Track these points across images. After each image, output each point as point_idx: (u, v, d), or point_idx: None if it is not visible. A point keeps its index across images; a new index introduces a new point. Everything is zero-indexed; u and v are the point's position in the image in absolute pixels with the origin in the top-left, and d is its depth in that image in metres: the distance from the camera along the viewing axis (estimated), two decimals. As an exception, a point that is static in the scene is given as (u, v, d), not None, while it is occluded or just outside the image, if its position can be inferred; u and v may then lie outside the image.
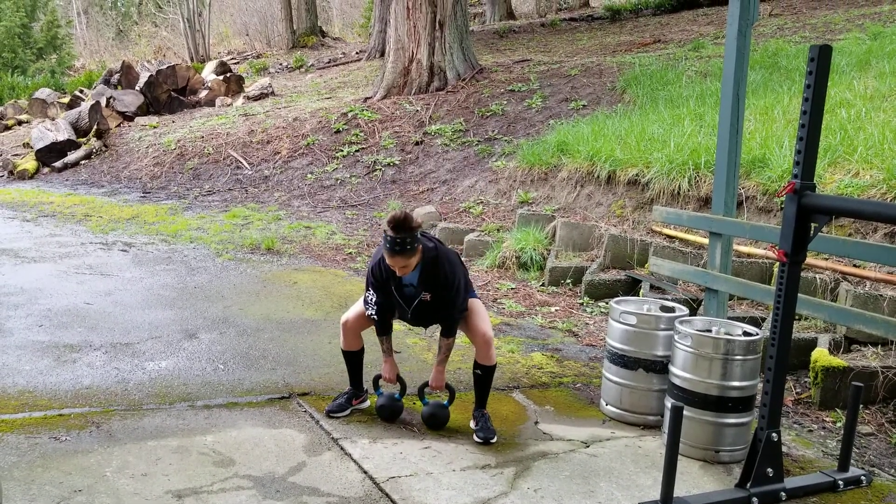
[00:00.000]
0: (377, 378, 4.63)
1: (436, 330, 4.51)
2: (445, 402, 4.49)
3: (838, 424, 4.69)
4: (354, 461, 3.97)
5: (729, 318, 4.87)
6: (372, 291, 4.36)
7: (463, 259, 5.43)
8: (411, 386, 4.66)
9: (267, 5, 29.43)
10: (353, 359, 4.61)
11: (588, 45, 18.10)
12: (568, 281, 7.64)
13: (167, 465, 3.82)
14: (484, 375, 4.38)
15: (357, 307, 4.54)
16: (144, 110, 17.91)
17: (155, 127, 16.61)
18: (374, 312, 4.39)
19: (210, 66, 21.46)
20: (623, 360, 4.60)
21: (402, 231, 3.95)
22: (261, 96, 18.09)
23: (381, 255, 4.20)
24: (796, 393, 5.14)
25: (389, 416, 4.53)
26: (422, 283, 4.22)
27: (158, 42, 33.27)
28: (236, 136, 14.65)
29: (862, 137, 6.89)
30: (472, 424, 4.39)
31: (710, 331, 4.28)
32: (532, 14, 28.66)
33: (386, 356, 4.53)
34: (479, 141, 12.17)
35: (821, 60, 3.50)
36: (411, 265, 4.10)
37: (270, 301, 6.95)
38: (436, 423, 4.43)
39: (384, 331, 4.48)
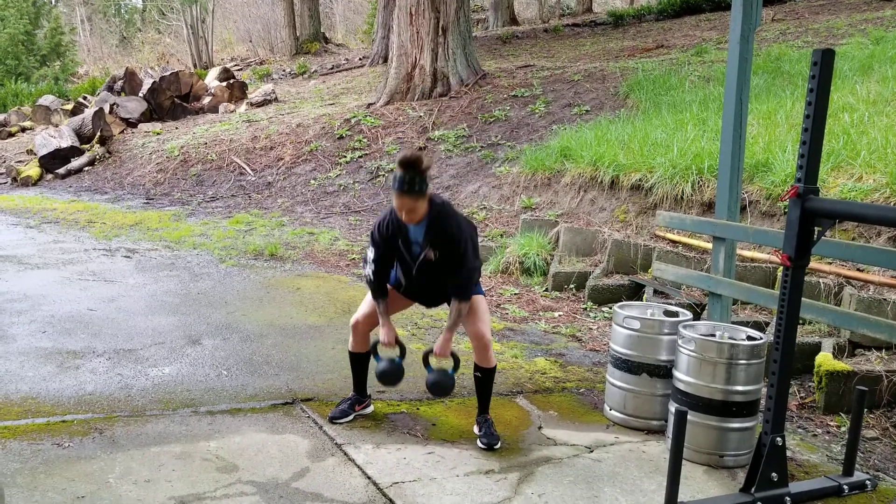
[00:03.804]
0: (375, 344, 4.50)
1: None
2: (450, 369, 4.38)
3: (843, 429, 4.67)
4: (358, 466, 3.96)
5: (732, 323, 4.86)
6: (373, 249, 4.25)
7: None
8: (413, 390, 4.65)
9: (270, 12, 29.52)
10: (360, 362, 4.57)
11: (591, 51, 18.13)
12: (571, 286, 7.63)
13: (170, 471, 3.82)
14: (484, 378, 4.36)
15: (365, 305, 4.47)
16: (148, 117, 17.97)
17: (158, 133, 16.66)
18: (371, 271, 4.26)
19: (213, 73, 21.54)
20: (627, 365, 4.59)
21: (412, 170, 3.87)
22: (264, 102, 18.14)
23: (388, 213, 4.14)
24: (800, 397, 5.12)
25: (391, 380, 4.43)
26: (428, 238, 4.10)
27: (162, 49, 33.40)
28: (240, 143, 14.68)
29: (865, 142, 6.88)
30: (475, 430, 4.38)
31: (713, 335, 4.27)
32: (535, 20, 28.72)
33: (383, 319, 4.39)
34: (482, 146, 12.18)
35: (824, 65, 3.50)
36: (418, 211, 3.99)
37: (274, 307, 6.95)
38: (439, 390, 4.35)
39: (381, 292, 4.34)
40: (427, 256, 4.13)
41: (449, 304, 4.29)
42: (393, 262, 4.30)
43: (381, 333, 4.40)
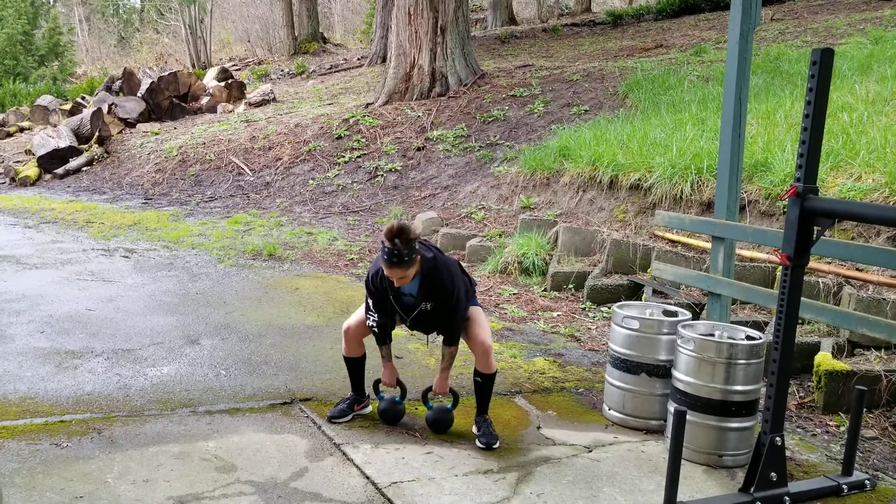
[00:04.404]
0: (377, 382, 4.64)
1: (437, 337, 4.50)
2: (449, 405, 4.49)
3: (842, 428, 4.67)
4: (356, 466, 3.96)
5: (732, 323, 4.86)
6: (370, 298, 4.36)
7: (465, 265, 5.43)
8: (412, 390, 4.66)
9: (268, 12, 29.49)
10: (355, 365, 4.61)
11: (590, 51, 18.13)
12: (570, 286, 7.63)
13: (169, 471, 3.81)
14: (484, 383, 4.38)
15: (359, 314, 4.53)
16: (146, 117, 17.94)
17: (157, 133, 16.64)
18: (373, 323, 4.38)
19: (212, 73, 21.52)
20: (626, 365, 4.59)
21: (400, 242, 3.91)
22: (262, 102, 18.12)
23: (379, 268, 4.19)
24: (800, 397, 5.12)
25: (391, 419, 4.53)
26: (421, 293, 4.20)
27: (160, 49, 33.36)
28: (238, 143, 14.67)
29: (864, 141, 6.88)
30: (474, 430, 4.38)
31: (712, 335, 4.26)
32: (534, 19, 28.71)
33: (385, 361, 4.54)
34: (480, 146, 12.17)
35: (823, 64, 3.50)
36: (409, 276, 4.08)
37: (272, 307, 6.94)
38: (440, 427, 4.43)
39: (384, 340, 4.47)
40: (423, 309, 4.25)
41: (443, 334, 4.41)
42: (390, 311, 4.39)
43: (383, 374, 4.57)
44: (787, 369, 3.72)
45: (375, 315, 4.36)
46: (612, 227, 8.14)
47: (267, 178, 13.21)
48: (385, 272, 4.07)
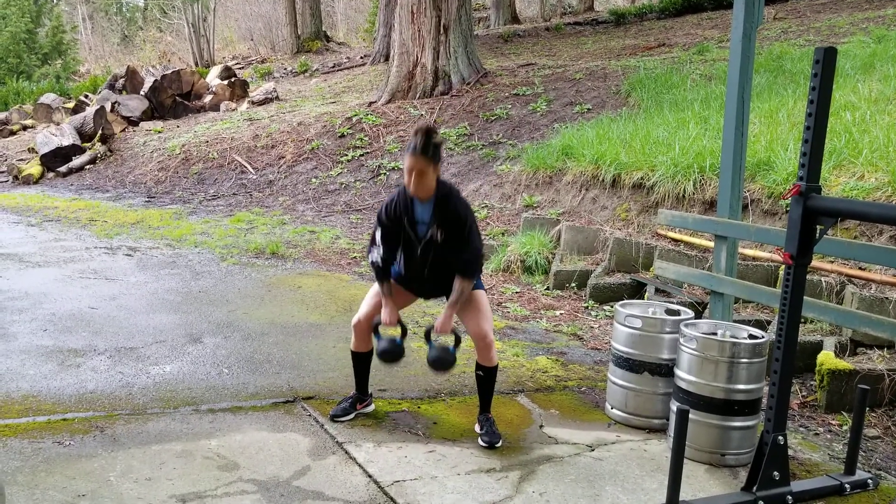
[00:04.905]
0: (377, 324, 4.45)
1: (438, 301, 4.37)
2: (451, 346, 4.34)
3: (844, 428, 4.67)
4: (359, 465, 3.96)
5: (734, 322, 4.85)
6: (380, 229, 4.27)
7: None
8: (414, 388, 4.65)
9: (272, 10, 29.51)
10: (361, 360, 4.57)
11: (593, 49, 18.11)
12: (573, 284, 7.62)
13: (171, 469, 3.82)
14: (486, 377, 4.35)
15: (366, 305, 4.45)
16: (149, 115, 17.95)
17: (160, 132, 16.65)
18: (377, 256, 4.27)
19: (215, 71, 21.53)
20: (628, 364, 4.58)
21: (426, 135, 3.97)
22: (265, 101, 18.13)
23: (396, 195, 4.18)
24: (802, 396, 5.12)
25: (391, 359, 4.41)
26: (434, 216, 4.14)
27: (163, 47, 33.37)
28: (241, 141, 14.68)
29: (867, 140, 6.87)
30: (476, 428, 4.38)
31: (715, 334, 4.26)
32: (536, 18, 28.68)
33: (386, 299, 4.37)
34: (483, 145, 12.17)
35: (826, 63, 3.49)
36: (427, 179, 4.03)
37: (275, 305, 6.95)
38: (441, 366, 4.32)
39: (386, 275, 4.35)
40: (433, 236, 4.14)
41: (447, 298, 4.28)
42: (398, 244, 4.29)
43: (383, 313, 4.36)
44: (790, 368, 3.71)
45: (381, 248, 4.26)
46: (615, 225, 8.13)
47: (270, 177, 13.22)
48: (406, 167, 4.03)
